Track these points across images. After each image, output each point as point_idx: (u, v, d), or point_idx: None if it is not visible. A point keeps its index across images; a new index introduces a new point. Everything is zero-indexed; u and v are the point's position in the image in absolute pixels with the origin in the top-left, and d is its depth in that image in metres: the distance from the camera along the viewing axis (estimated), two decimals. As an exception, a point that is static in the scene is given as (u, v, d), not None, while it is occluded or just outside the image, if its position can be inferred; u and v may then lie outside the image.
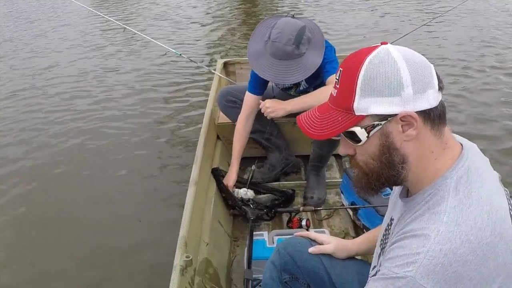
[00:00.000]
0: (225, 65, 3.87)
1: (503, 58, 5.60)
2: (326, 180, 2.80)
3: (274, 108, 2.43)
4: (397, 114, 0.89)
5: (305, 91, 2.66)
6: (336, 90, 0.96)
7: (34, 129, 4.43)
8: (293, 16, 2.40)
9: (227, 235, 2.44)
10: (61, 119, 4.59)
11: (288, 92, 2.73)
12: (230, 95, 2.78)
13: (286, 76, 2.30)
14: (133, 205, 3.19)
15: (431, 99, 0.89)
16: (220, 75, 3.60)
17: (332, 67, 2.35)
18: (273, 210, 2.46)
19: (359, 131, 0.92)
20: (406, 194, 1.05)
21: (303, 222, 2.37)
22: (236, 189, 2.61)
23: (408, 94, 0.88)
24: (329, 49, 2.41)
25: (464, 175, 0.91)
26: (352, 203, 2.45)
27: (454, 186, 0.89)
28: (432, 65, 0.92)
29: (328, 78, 2.34)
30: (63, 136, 4.25)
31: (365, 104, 0.90)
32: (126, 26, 4.37)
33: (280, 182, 2.85)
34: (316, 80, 2.54)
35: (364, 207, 2.31)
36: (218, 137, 3.07)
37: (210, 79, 4.27)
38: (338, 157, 3.12)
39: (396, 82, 0.88)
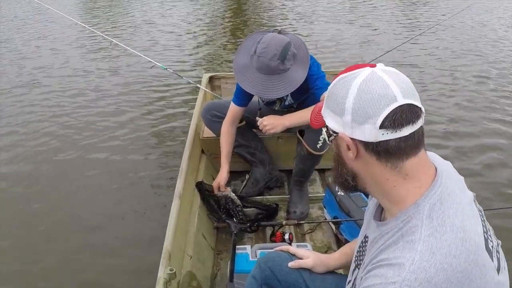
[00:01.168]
0: (211, 79, 3.90)
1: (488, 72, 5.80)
2: (309, 195, 2.84)
3: (272, 125, 2.46)
4: (338, 133, 0.97)
5: (290, 106, 2.71)
6: None
7: (20, 133, 4.46)
8: (279, 32, 2.44)
9: (210, 248, 2.46)
10: (44, 124, 4.63)
11: (272, 107, 2.78)
12: (215, 110, 2.82)
13: (270, 90, 2.33)
14: (116, 217, 3.18)
15: (367, 133, 0.92)
16: (206, 89, 3.63)
17: (324, 84, 2.41)
18: (255, 224, 2.49)
19: (325, 133, 1.04)
20: (380, 215, 1.08)
21: (286, 236, 2.40)
22: (229, 189, 2.66)
23: (347, 120, 0.94)
24: (315, 65, 2.46)
25: (437, 202, 0.92)
26: (335, 217, 2.48)
27: (427, 214, 0.91)
28: (394, 103, 0.90)
29: (323, 94, 2.39)
30: (46, 141, 4.27)
31: (325, 113, 1.02)
32: (112, 40, 4.39)
33: (264, 196, 2.87)
34: (301, 95, 2.59)
35: (346, 220, 2.35)
36: (202, 151, 3.09)
37: (196, 93, 4.30)
38: (321, 172, 3.16)
39: (341, 106, 0.95)
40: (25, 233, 3.08)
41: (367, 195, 1.12)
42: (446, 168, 1.03)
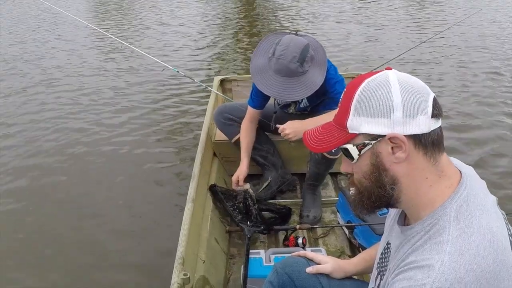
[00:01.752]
0: (222, 82, 3.88)
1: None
2: (322, 199, 2.81)
3: (295, 132, 2.41)
4: (386, 135, 0.92)
5: (304, 109, 2.69)
6: (338, 108, 1.02)
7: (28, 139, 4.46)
8: (296, 33, 2.42)
9: (223, 252, 2.44)
10: (57, 128, 4.62)
11: (286, 110, 2.76)
12: (228, 113, 2.80)
13: (288, 93, 2.32)
14: (129, 222, 3.17)
15: (421, 124, 0.91)
16: (217, 92, 3.61)
17: (344, 87, 2.37)
18: (268, 228, 2.47)
19: (351, 148, 0.97)
20: (404, 221, 1.06)
21: (299, 240, 2.37)
22: (248, 184, 2.65)
23: (398, 117, 0.91)
24: (333, 68, 2.44)
25: (463, 204, 0.92)
26: (348, 222, 2.45)
27: (454, 216, 0.90)
28: (431, 93, 0.94)
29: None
30: (58, 147, 4.27)
31: (357, 123, 0.95)
32: (123, 42, 4.39)
33: (276, 200, 2.85)
34: (317, 98, 2.56)
35: (360, 225, 2.32)
36: (214, 154, 3.08)
37: (207, 96, 4.29)
38: (334, 175, 3.13)
39: (387, 104, 0.91)
40: (37, 232, 3.11)
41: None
42: (469, 172, 1.02)
